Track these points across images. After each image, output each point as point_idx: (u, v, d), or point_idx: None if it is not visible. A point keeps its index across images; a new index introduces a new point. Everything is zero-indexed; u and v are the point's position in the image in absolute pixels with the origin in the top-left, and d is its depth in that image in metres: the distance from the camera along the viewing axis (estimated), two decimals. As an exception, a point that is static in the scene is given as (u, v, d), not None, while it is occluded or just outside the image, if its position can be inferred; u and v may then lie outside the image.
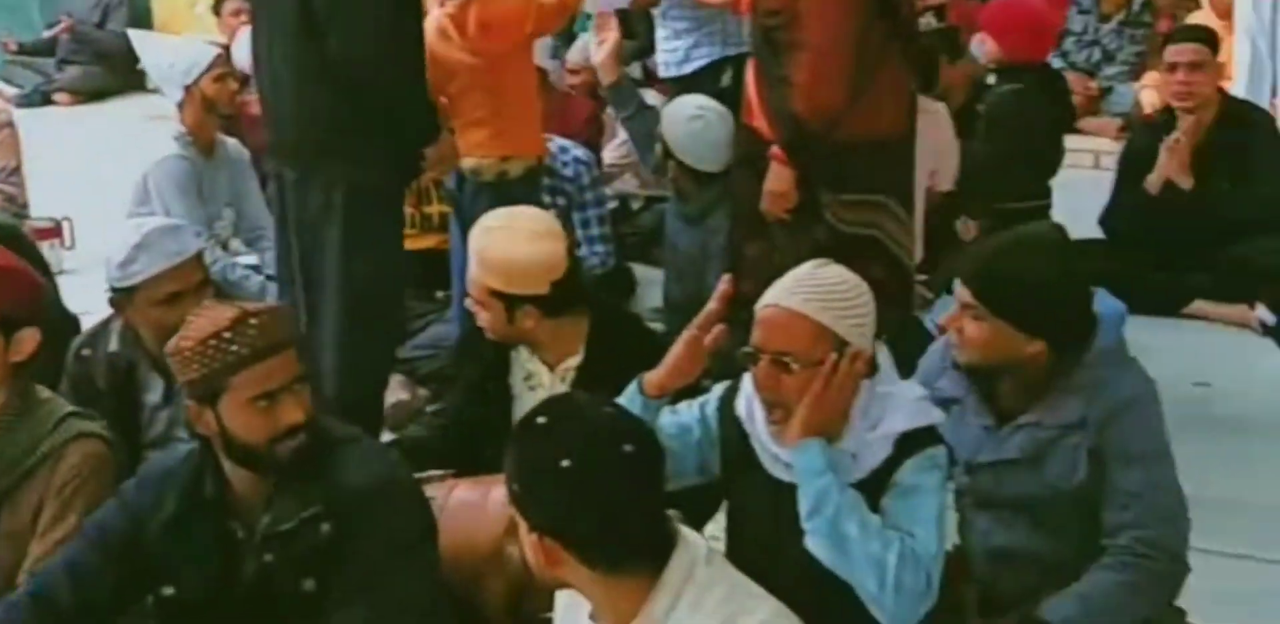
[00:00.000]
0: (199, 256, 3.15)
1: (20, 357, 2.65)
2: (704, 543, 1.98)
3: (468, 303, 3.05)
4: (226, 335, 2.29)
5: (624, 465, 1.87)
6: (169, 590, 2.41)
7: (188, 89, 4.81)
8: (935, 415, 2.37)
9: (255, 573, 2.37)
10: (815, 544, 2.26)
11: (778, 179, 3.58)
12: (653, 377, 2.45)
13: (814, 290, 2.31)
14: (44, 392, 2.75)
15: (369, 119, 3.47)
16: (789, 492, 2.30)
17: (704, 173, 4.22)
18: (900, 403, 2.36)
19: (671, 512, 2.01)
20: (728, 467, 2.46)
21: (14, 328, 2.65)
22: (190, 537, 2.40)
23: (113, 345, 3.15)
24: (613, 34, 4.63)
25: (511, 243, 2.96)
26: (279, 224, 3.68)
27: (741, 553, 2.37)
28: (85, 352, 3.19)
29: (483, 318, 3.00)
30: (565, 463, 1.84)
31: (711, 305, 2.50)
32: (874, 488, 2.29)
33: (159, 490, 2.42)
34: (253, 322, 2.30)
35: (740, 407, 2.44)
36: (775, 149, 3.58)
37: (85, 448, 2.64)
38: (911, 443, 2.31)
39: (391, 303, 3.71)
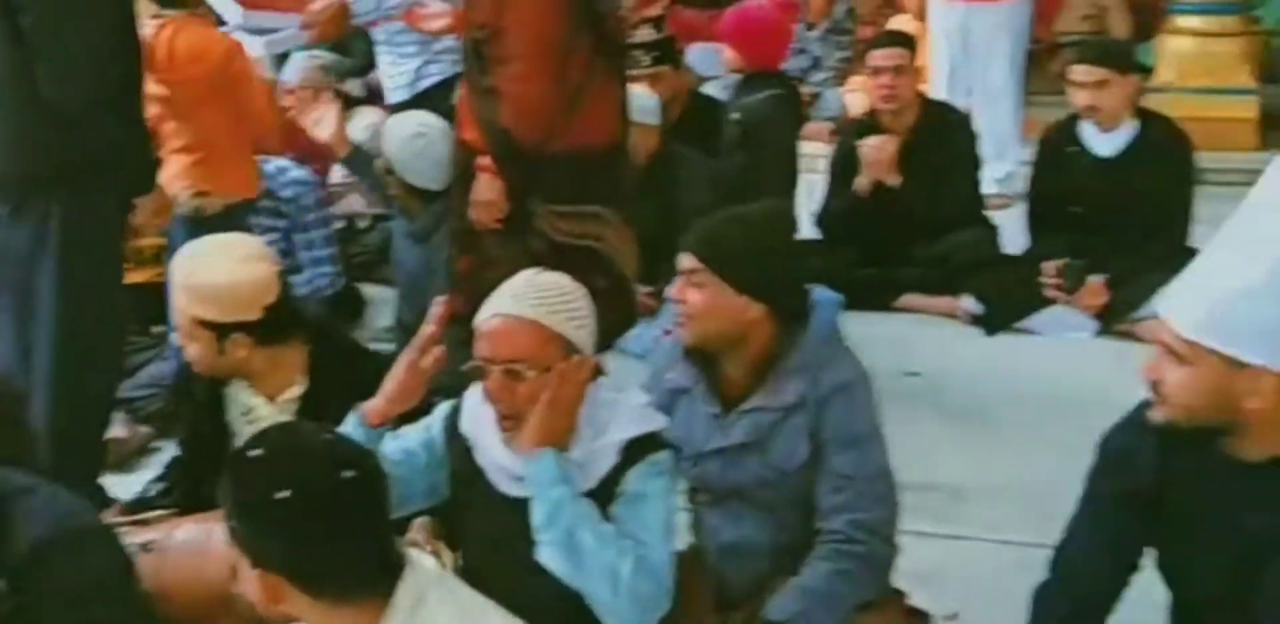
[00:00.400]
0: None
1: None
2: (434, 565, 1.96)
3: (174, 337, 2.92)
4: None
5: (345, 492, 1.83)
6: None
7: None
8: (659, 421, 2.40)
9: None
10: (549, 555, 2.26)
11: (486, 189, 3.61)
12: (372, 405, 2.42)
13: (538, 296, 2.32)
14: None
15: (86, 154, 3.35)
16: (518, 506, 2.30)
17: (427, 191, 4.20)
18: (624, 410, 2.38)
19: (400, 536, 2.00)
20: (456, 485, 2.45)
21: None
22: None
23: None
24: (326, 108, 4.52)
25: (215, 267, 2.81)
26: None
27: (473, 570, 2.37)
28: None
29: (191, 352, 2.85)
30: (283, 494, 1.79)
31: (427, 328, 2.49)
32: (602, 496, 2.31)
33: None
34: None
35: (464, 424, 2.43)
36: (482, 159, 3.61)
37: None
38: (637, 450, 2.33)
39: (110, 339, 3.57)
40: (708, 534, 2.66)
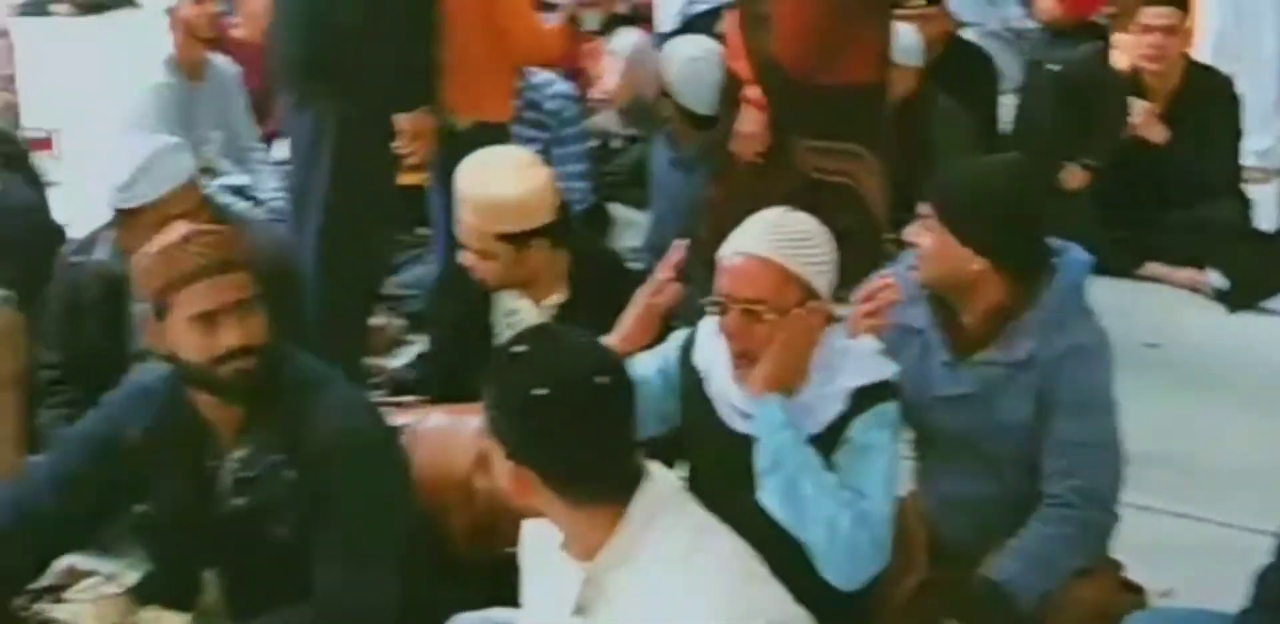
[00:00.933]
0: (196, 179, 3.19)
1: None
2: (672, 479, 1.99)
3: (465, 258, 2.95)
4: (175, 252, 2.32)
5: (597, 396, 1.87)
6: (142, 507, 2.44)
7: (170, 11, 4.83)
8: (889, 369, 2.38)
9: (229, 515, 2.39)
10: (770, 500, 2.27)
11: (749, 121, 3.65)
12: (607, 342, 2.43)
13: (783, 237, 2.30)
14: None
15: (360, 54, 3.48)
16: (745, 442, 2.33)
17: (700, 116, 4.24)
18: (856, 357, 2.37)
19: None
20: (686, 414, 2.48)
21: None
22: (163, 455, 2.41)
23: (102, 254, 3.20)
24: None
25: (505, 180, 2.88)
26: None
27: (699, 497, 2.44)
28: (75, 259, 3.25)
29: (487, 268, 2.91)
30: (539, 391, 1.84)
31: (662, 274, 2.55)
32: (827, 442, 2.31)
33: (138, 403, 2.43)
34: (200, 240, 2.32)
35: (698, 356, 2.46)
36: (749, 90, 3.64)
37: None
38: (865, 398, 2.32)
39: (377, 233, 3.74)
40: (928, 485, 2.67)
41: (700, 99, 4.24)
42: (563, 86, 5.00)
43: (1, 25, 5.59)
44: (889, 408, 2.35)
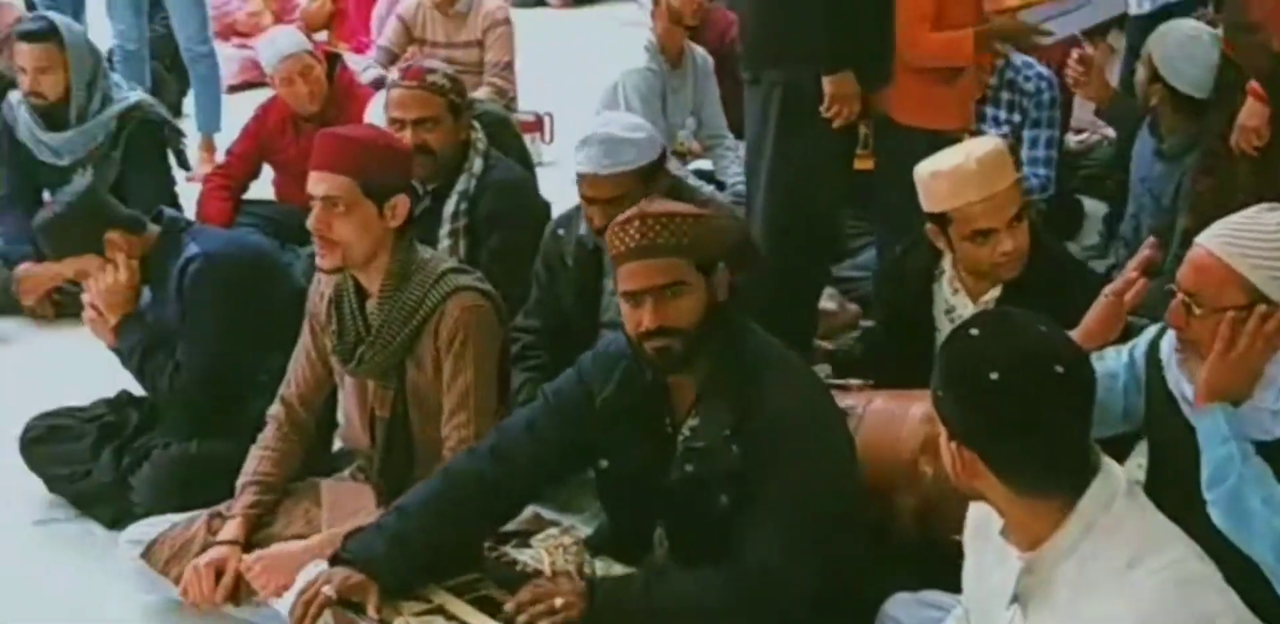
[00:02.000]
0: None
1: (397, 222, 2.87)
2: (1125, 476, 1.92)
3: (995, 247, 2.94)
4: (614, 232, 2.46)
5: (1053, 385, 1.82)
6: (604, 463, 2.61)
7: (655, 0, 5.04)
8: None
9: (678, 480, 2.50)
10: (1213, 512, 2.19)
11: (1251, 114, 3.54)
12: None
13: (1241, 236, 2.20)
14: (425, 251, 2.97)
15: (821, 36, 3.54)
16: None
17: (1190, 102, 4.06)
18: None
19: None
20: (1150, 407, 2.42)
21: (387, 196, 2.86)
22: (626, 416, 2.55)
23: (582, 229, 3.40)
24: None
25: (988, 172, 2.93)
26: None
27: (1159, 494, 2.30)
28: (559, 232, 3.49)
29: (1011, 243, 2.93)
30: (993, 375, 1.81)
31: (1130, 273, 2.49)
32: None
33: (609, 367, 2.58)
34: (637, 224, 2.43)
35: (1163, 349, 2.40)
36: (1254, 83, 3.52)
37: (463, 301, 2.87)
38: None
39: (822, 215, 3.78)
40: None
41: (1190, 79, 4.06)
42: (1041, 69, 4.92)
43: (505, 14, 5.96)
44: None
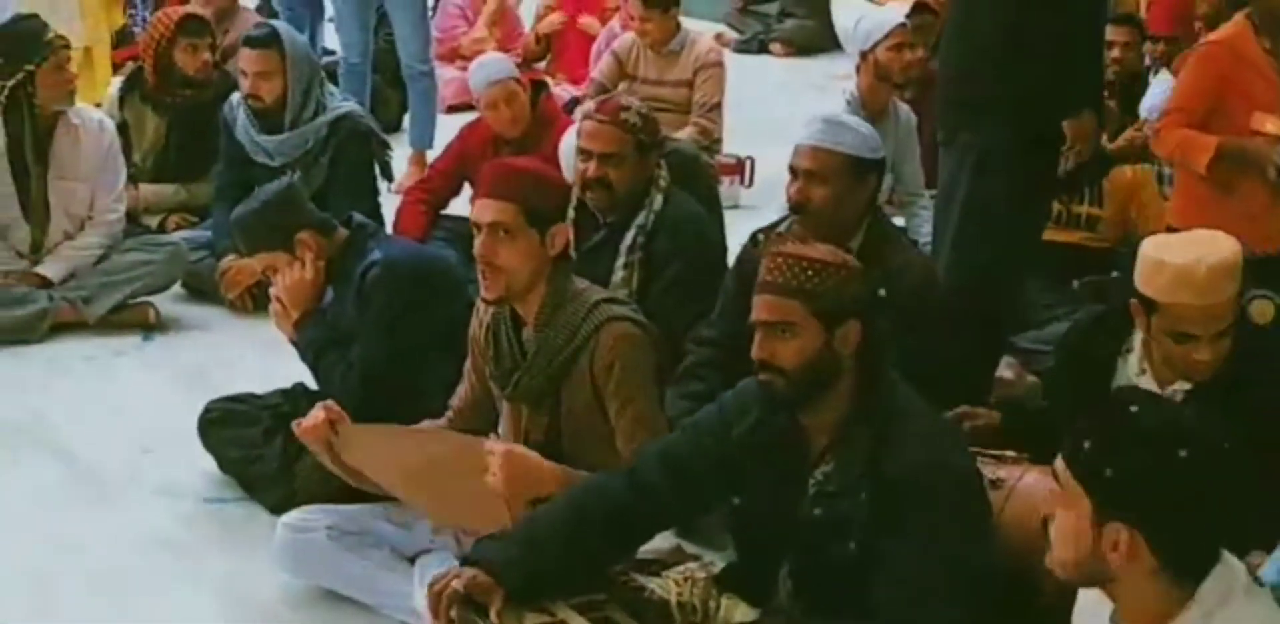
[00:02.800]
0: None
1: (555, 251, 2.93)
2: (1244, 569, 1.92)
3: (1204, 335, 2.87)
4: (766, 260, 2.52)
5: (1226, 464, 1.84)
6: (737, 500, 2.61)
7: (863, 54, 5.04)
8: None
9: (807, 523, 2.50)
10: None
11: None
12: None
13: None
14: (580, 282, 3.02)
15: (1006, 81, 3.54)
16: None
17: None
18: None
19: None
20: None
21: (548, 224, 2.92)
22: (760, 455, 2.56)
23: None
24: None
25: (1215, 282, 2.84)
26: None
27: None
28: (759, 237, 3.59)
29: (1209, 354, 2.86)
30: (1182, 452, 1.81)
31: None
32: None
33: (748, 403, 2.60)
34: (780, 260, 2.48)
35: None
36: None
37: (614, 330, 2.91)
38: None
39: (1000, 274, 3.73)
40: None
41: None
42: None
43: (718, 57, 6.03)
44: None
